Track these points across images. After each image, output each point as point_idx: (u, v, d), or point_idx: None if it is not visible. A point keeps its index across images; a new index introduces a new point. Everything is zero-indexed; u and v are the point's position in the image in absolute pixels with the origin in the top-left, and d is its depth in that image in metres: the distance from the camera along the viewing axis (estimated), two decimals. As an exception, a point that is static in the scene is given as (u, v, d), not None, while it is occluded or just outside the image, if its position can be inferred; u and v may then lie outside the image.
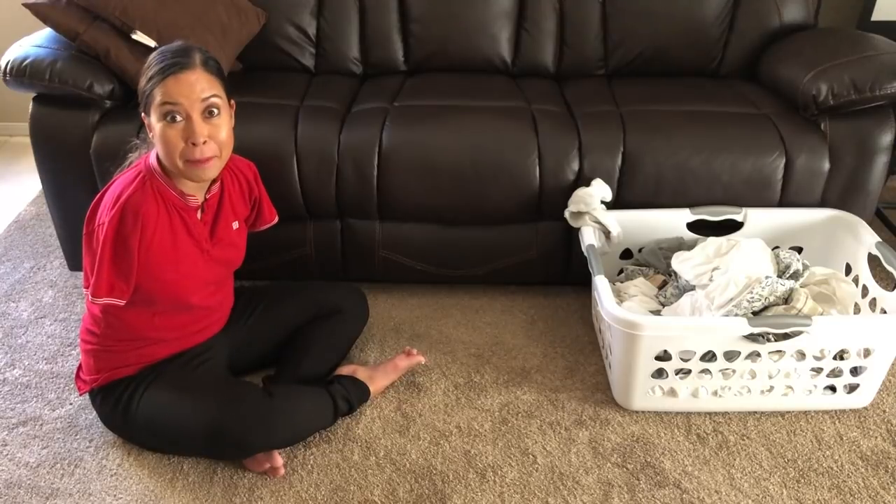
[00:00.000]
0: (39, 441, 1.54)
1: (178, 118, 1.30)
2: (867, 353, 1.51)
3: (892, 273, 1.58)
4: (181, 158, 1.32)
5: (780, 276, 1.64)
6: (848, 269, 1.75)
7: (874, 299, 1.65)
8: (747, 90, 2.02)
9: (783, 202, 1.81)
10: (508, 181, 1.77)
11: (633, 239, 1.83)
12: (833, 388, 1.57)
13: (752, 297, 1.52)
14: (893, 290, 1.59)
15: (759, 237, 1.76)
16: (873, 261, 1.67)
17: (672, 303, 1.68)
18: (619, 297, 1.75)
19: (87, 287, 1.37)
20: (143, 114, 1.36)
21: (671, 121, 1.82)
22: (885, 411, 1.59)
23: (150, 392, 1.44)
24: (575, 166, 1.77)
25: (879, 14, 2.34)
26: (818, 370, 1.53)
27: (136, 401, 1.43)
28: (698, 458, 1.48)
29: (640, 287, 1.75)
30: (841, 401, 1.58)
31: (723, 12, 2.14)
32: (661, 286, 1.76)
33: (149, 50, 1.80)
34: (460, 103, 1.91)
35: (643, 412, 1.59)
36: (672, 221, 1.80)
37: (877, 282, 1.66)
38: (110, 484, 1.44)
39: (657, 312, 1.68)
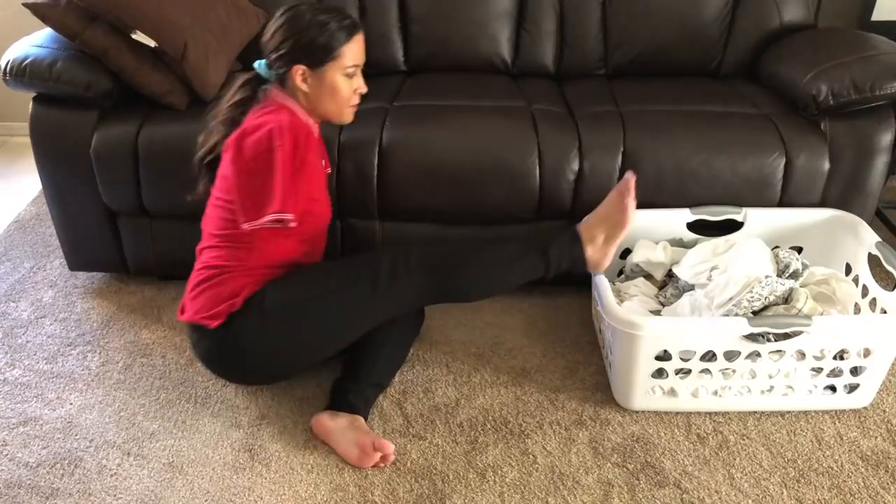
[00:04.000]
0: (39, 441, 1.54)
1: (355, 74, 1.53)
2: (867, 353, 1.50)
3: (892, 273, 1.58)
4: (347, 105, 1.55)
5: (779, 276, 1.64)
6: (848, 269, 1.75)
7: (874, 299, 1.65)
8: (747, 90, 2.02)
9: (783, 202, 1.81)
10: (508, 181, 1.77)
11: (634, 239, 1.83)
12: (833, 388, 1.57)
13: (753, 297, 1.52)
14: (893, 290, 1.59)
15: (759, 237, 1.76)
16: (873, 261, 1.66)
17: (672, 303, 1.68)
18: (620, 297, 1.75)
19: (247, 218, 1.38)
20: (298, 65, 1.47)
21: (671, 121, 1.82)
22: (885, 411, 1.59)
23: (322, 280, 1.49)
24: (575, 166, 1.77)
25: (879, 14, 2.35)
26: (818, 370, 1.53)
27: (305, 296, 1.47)
28: (698, 458, 1.48)
29: (640, 287, 1.75)
30: (841, 401, 1.58)
31: (723, 12, 2.14)
32: (662, 287, 1.76)
33: (149, 50, 1.80)
34: (460, 103, 1.91)
35: (643, 412, 1.59)
36: (672, 221, 1.80)
37: (877, 282, 1.66)
38: (110, 484, 1.44)
39: (657, 312, 1.68)
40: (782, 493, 1.40)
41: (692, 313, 1.58)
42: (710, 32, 2.15)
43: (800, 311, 1.50)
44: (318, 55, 1.47)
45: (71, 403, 1.64)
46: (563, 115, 1.89)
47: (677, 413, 1.59)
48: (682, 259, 1.71)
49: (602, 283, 1.55)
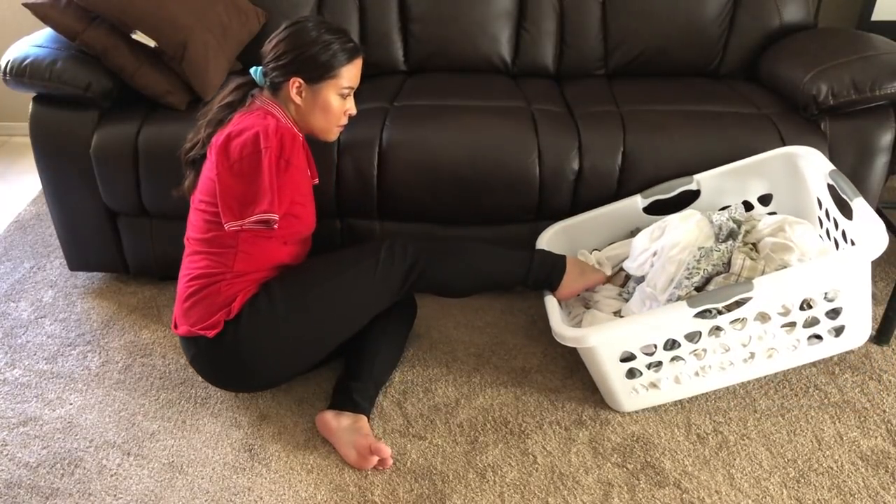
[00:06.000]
0: (39, 441, 1.54)
1: (348, 95, 1.57)
2: (836, 293, 1.45)
3: (847, 202, 1.53)
4: (335, 124, 1.60)
5: (717, 241, 1.59)
6: (820, 204, 1.70)
7: (844, 231, 1.60)
8: (747, 90, 2.02)
9: (783, 202, 1.81)
10: (508, 181, 1.77)
11: (595, 239, 1.83)
12: (819, 337, 1.53)
13: (690, 273, 1.50)
14: (852, 218, 1.54)
15: (721, 197, 1.75)
16: (834, 191, 1.61)
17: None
18: (586, 304, 1.75)
19: (231, 217, 1.40)
20: (295, 77, 1.50)
21: (671, 121, 1.82)
22: (885, 411, 1.59)
23: (309, 279, 1.49)
24: (575, 166, 1.77)
25: (879, 14, 2.34)
26: (791, 324, 1.49)
27: (305, 292, 1.47)
28: (698, 458, 1.48)
29: (601, 292, 1.74)
30: (835, 346, 1.54)
31: (723, 12, 2.14)
32: (624, 283, 1.76)
33: (149, 50, 1.80)
34: (460, 103, 1.91)
35: (642, 412, 1.59)
36: (627, 211, 1.78)
37: (841, 212, 1.61)
38: (110, 484, 1.44)
39: (619, 312, 1.67)
40: (782, 493, 1.40)
41: (643, 305, 1.57)
42: (710, 32, 2.15)
43: (739, 276, 1.47)
44: (318, 71, 1.51)
45: (71, 403, 1.64)
46: (563, 115, 1.89)
47: (676, 412, 1.59)
48: (630, 252, 1.70)
49: (549, 303, 1.57)
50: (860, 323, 1.53)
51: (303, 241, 1.62)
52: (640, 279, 1.66)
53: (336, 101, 1.55)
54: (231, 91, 1.57)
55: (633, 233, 1.79)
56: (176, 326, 1.53)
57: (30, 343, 1.83)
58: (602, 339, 1.45)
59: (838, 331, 1.53)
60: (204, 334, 1.45)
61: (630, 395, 1.55)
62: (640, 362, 1.50)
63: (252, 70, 1.57)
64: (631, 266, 1.66)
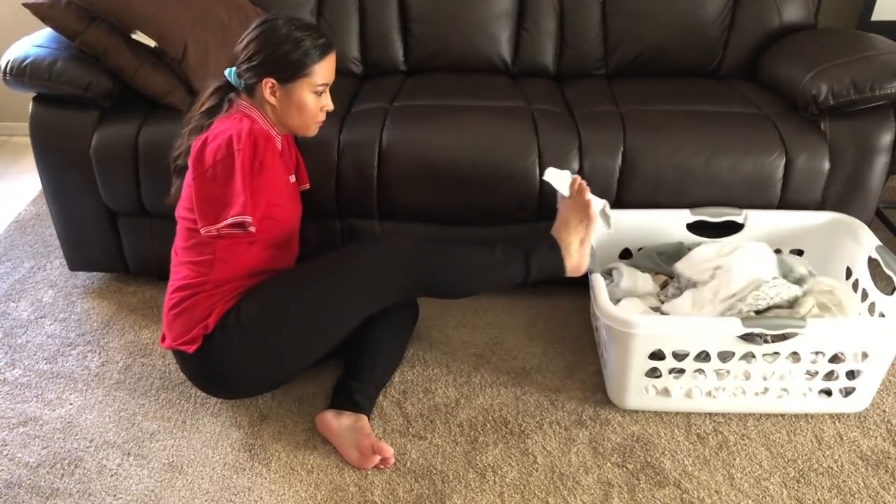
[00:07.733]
0: (39, 441, 1.54)
1: (323, 92, 1.53)
2: (863, 356, 1.49)
3: (891, 277, 1.58)
4: (313, 121, 1.55)
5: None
6: (848, 273, 1.75)
7: (873, 303, 1.64)
8: (747, 90, 2.02)
9: (783, 202, 1.81)
10: (508, 181, 1.77)
11: (633, 239, 1.83)
12: (829, 392, 1.56)
13: (759, 295, 1.51)
14: (892, 294, 1.59)
15: (760, 239, 1.76)
16: (873, 264, 1.66)
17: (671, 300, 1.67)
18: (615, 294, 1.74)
19: (206, 222, 1.38)
20: (268, 77, 1.46)
21: (671, 121, 1.82)
22: (885, 411, 1.59)
23: (288, 288, 1.47)
24: (575, 166, 1.77)
25: (879, 14, 2.35)
26: (813, 373, 1.52)
27: (281, 303, 1.45)
28: (698, 458, 1.48)
29: (638, 285, 1.74)
30: (837, 405, 1.57)
31: (723, 12, 2.14)
32: (663, 286, 1.76)
33: (149, 50, 1.80)
34: (460, 103, 1.91)
35: (643, 412, 1.59)
36: (672, 222, 1.80)
37: (876, 285, 1.66)
38: (110, 484, 1.44)
39: (657, 309, 1.67)
40: (782, 493, 1.40)
41: (692, 308, 1.58)
42: (710, 32, 2.15)
43: (804, 317, 1.49)
44: (290, 71, 1.46)
45: (71, 403, 1.64)
46: (563, 115, 1.89)
47: (676, 413, 1.59)
48: (685, 257, 1.70)
49: (597, 282, 1.54)
50: (868, 390, 1.56)
51: (284, 246, 1.58)
52: (688, 283, 1.66)
53: (311, 100, 1.51)
54: (209, 96, 1.53)
55: (677, 246, 1.80)
56: (163, 339, 1.53)
57: (30, 343, 1.83)
58: (648, 331, 1.45)
59: (848, 391, 1.56)
60: (185, 350, 1.45)
61: (639, 393, 1.56)
62: (666, 364, 1.50)
63: (227, 72, 1.52)
64: (686, 269, 1.66)
